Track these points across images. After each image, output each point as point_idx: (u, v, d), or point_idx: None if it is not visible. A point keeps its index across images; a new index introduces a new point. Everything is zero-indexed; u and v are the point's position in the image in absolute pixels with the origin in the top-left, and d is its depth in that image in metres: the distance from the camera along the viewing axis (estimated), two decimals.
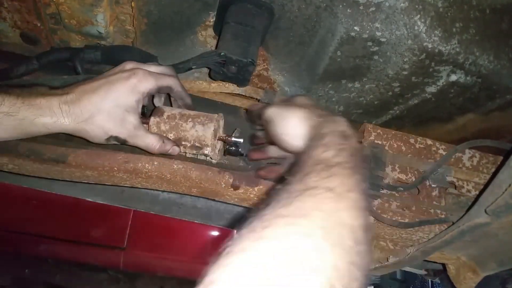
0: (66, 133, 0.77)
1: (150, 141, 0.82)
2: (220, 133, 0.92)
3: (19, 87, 0.77)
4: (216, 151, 0.96)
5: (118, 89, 0.76)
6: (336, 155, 0.55)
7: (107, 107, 0.75)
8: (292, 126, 0.69)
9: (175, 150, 0.86)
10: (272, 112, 0.73)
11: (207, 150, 0.92)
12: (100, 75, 0.81)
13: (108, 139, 0.79)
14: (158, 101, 0.93)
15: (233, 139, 0.92)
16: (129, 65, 0.81)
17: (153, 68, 0.82)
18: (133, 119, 0.78)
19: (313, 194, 0.46)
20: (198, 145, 0.90)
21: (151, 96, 0.88)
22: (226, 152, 1.00)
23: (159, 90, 0.83)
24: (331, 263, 0.39)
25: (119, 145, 0.95)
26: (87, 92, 0.75)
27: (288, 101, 0.77)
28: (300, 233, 0.41)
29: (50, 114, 0.71)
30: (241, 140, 0.92)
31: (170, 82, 0.83)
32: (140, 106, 0.80)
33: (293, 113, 0.70)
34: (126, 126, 0.78)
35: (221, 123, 0.92)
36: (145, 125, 0.86)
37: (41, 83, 0.84)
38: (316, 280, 0.37)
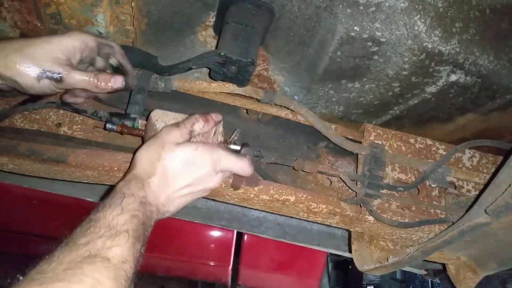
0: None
1: (84, 75, 0.77)
2: (219, 138, 0.91)
3: None
4: None
5: (55, 36, 0.77)
6: (126, 221, 0.63)
7: (39, 42, 0.74)
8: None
9: (117, 80, 0.81)
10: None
11: None
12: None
13: (39, 75, 0.73)
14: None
15: (232, 146, 0.92)
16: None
17: None
18: (66, 59, 0.76)
19: (93, 262, 0.56)
20: None
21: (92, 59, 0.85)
22: None
23: (100, 49, 0.83)
24: None
25: (115, 145, 0.96)
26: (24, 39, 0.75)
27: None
28: None
29: None
30: (238, 148, 0.92)
31: (111, 42, 0.85)
32: (77, 58, 0.78)
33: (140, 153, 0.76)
34: (60, 63, 0.74)
35: (220, 128, 0.92)
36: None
37: None
38: None
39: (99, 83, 0.78)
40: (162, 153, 0.74)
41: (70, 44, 0.76)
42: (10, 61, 0.71)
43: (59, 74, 0.74)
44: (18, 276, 0.55)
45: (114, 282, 0.56)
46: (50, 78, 0.74)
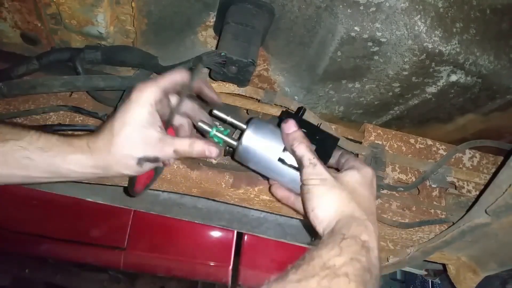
0: (97, 175, 0.71)
1: (180, 147, 0.71)
2: None
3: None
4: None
5: (125, 110, 0.69)
6: (346, 264, 0.53)
7: (122, 130, 0.68)
8: (320, 211, 0.66)
9: (211, 152, 0.73)
10: (314, 185, 0.68)
11: None
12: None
13: (139, 163, 0.69)
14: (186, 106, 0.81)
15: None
16: (139, 85, 0.72)
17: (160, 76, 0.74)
18: (154, 132, 0.69)
19: None
20: None
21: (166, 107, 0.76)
22: (226, 152, 1.00)
23: (172, 91, 0.74)
24: None
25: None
26: (105, 124, 0.70)
27: (341, 172, 0.73)
28: None
29: (81, 151, 0.67)
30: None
31: (173, 78, 0.72)
32: (157, 117, 0.71)
33: (330, 200, 0.66)
34: (150, 142, 0.69)
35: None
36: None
37: None
38: None
39: (195, 153, 0.73)
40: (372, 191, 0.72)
41: (143, 114, 0.68)
42: (111, 155, 0.68)
43: (156, 156, 0.70)
44: None
45: None
46: (149, 161, 0.70)
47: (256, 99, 1.05)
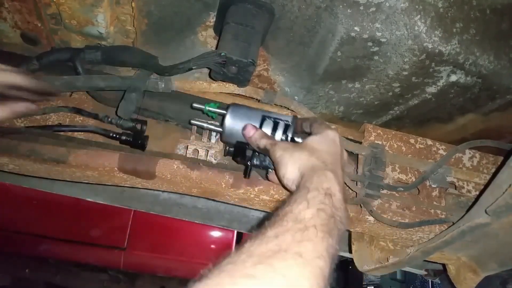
0: None
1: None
2: None
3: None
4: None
5: None
6: (313, 216, 0.59)
7: None
8: (289, 174, 0.76)
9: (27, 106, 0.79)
10: (278, 156, 0.78)
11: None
12: None
13: None
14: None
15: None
16: None
17: None
18: None
19: (284, 258, 0.51)
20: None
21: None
22: (226, 153, 1.00)
23: (5, 86, 0.73)
24: None
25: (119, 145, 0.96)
26: None
27: (300, 142, 0.83)
28: None
29: None
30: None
31: (14, 79, 0.73)
32: None
33: (293, 162, 0.76)
34: None
35: None
36: None
37: None
38: None
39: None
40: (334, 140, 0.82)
41: None
42: None
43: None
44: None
45: (310, 282, 0.50)
46: None
47: (256, 99, 1.05)
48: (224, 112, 0.89)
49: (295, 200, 0.63)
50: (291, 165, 0.76)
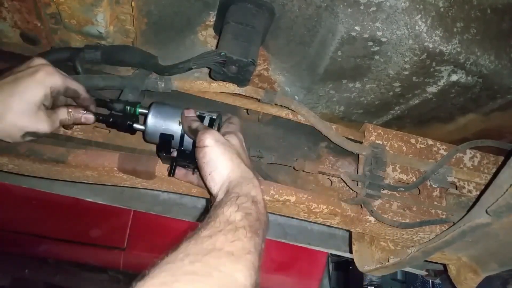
0: None
1: (62, 115, 0.82)
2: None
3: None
4: None
5: (26, 85, 0.75)
6: (243, 218, 0.65)
7: (17, 105, 0.74)
8: (217, 175, 0.75)
9: (87, 117, 0.86)
10: (208, 151, 0.76)
11: None
12: (7, 71, 0.79)
13: (23, 136, 0.77)
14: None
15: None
16: (36, 60, 0.79)
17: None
18: (43, 112, 0.78)
19: (217, 256, 0.56)
20: None
21: (57, 99, 0.85)
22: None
23: (66, 92, 0.82)
24: None
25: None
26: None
27: (225, 138, 0.80)
28: None
29: None
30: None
31: (77, 86, 0.83)
32: (48, 102, 0.79)
33: (223, 162, 0.75)
34: (42, 119, 0.77)
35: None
36: None
37: None
38: None
39: (73, 119, 0.84)
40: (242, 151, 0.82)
41: (42, 95, 0.76)
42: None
43: (44, 132, 0.79)
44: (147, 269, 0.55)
45: (244, 274, 0.56)
46: (33, 136, 0.79)
47: (256, 98, 1.05)
48: (146, 111, 0.87)
49: (225, 203, 0.68)
50: (222, 165, 0.75)
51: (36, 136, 0.79)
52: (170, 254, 0.57)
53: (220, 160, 0.75)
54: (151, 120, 0.86)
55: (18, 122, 0.75)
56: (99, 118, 0.90)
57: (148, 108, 0.87)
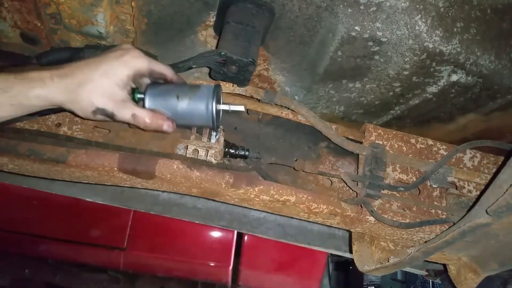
0: (58, 106, 0.76)
1: (140, 114, 0.80)
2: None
3: (12, 67, 0.78)
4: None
5: (110, 62, 0.76)
6: None
7: (97, 77, 0.75)
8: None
9: (169, 126, 0.83)
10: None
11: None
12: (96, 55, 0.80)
13: (95, 111, 0.76)
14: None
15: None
16: (125, 45, 0.81)
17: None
18: (121, 93, 0.77)
19: None
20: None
21: (141, 82, 0.86)
22: (226, 154, 1.00)
23: (151, 74, 0.83)
24: None
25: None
26: (79, 66, 0.76)
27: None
28: None
29: (41, 85, 0.72)
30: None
31: (164, 69, 0.83)
32: (130, 83, 0.79)
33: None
34: (114, 99, 0.77)
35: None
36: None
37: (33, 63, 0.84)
38: None
39: (151, 125, 0.81)
40: None
41: (125, 75, 0.77)
42: (75, 95, 0.74)
43: (113, 113, 0.78)
44: None
45: None
46: (104, 115, 0.78)
47: (256, 98, 1.05)
48: (142, 96, 0.85)
49: None
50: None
51: (106, 116, 0.78)
52: None
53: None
54: (149, 103, 0.84)
55: (92, 95, 0.75)
56: None
57: (144, 92, 0.85)
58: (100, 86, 0.75)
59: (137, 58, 0.79)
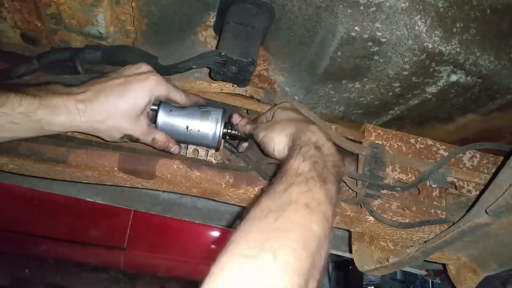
0: (81, 132, 0.79)
1: (158, 138, 0.86)
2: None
3: (36, 86, 0.77)
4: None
5: (136, 90, 0.79)
6: (311, 168, 0.68)
7: (124, 107, 0.78)
8: (278, 144, 0.82)
9: (175, 149, 0.91)
10: (262, 137, 0.85)
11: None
12: (115, 73, 0.82)
13: (122, 137, 0.82)
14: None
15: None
16: (144, 67, 0.84)
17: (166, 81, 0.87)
18: (145, 120, 0.83)
19: (296, 209, 0.60)
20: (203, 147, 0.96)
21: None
22: (225, 135, 0.98)
23: (167, 100, 0.87)
24: (306, 267, 0.54)
25: (121, 143, 0.96)
26: (104, 91, 0.77)
27: (270, 118, 0.91)
28: (289, 246, 0.54)
29: (67, 113, 0.73)
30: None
31: (179, 98, 0.87)
32: (149, 107, 0.84)
33: (277, 134, 0.83)
34: (140, 125, 0.82)
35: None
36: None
37: (56, 81, 0.84)
38: (295, 281, 0.51)
39: (161, 146, 0.88)
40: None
41: (148, 101, 0.81)
42: (102, 124, 0.77)
43: (138, 138, 0.84)
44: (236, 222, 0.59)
45: (319, 225, 0.60)
46: (129, 139, 0.84)
47: (256, 99, 1.05)
48: (156, 108, 0.90)
49: (291, 156, 0.72)
50: (277, 136, 0.82)
51: (131, 140, 0.84)
52: (253, 209, 0.61)
53: (276, 134, 0.83)
54: (161, 118, 0.89)
55: (121, 124, 0.79)
56: None
57: (158, 106, 0.89)
58: (128, 115, 0.79)
59: (159, 85, 0.82)
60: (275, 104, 0.99)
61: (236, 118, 0.96)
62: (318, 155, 0.72)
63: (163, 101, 0.89)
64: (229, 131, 0.96)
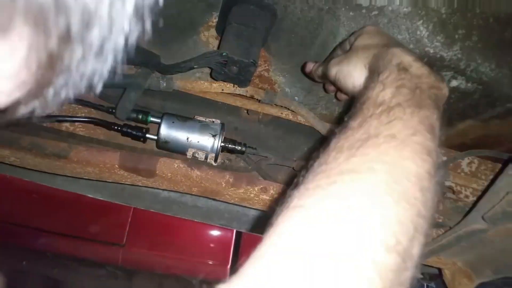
0: None
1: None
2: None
3: None
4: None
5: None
6: (394, 95, 0.52)
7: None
8: (357, 79, 0.67)
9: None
10: (336, 73, 0.72)
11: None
12: None
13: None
14: None
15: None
16: None
17: None
18: None
19: (376, 143, 0.46)
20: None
21: None
22: (223, 149, 1.00)
23: None
24: (395, 218, 0.41)
25: (121, 142, 0.97)
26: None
27: (348, 48, 0.76)
28: (364, 190, 0.41)
29: None
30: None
31: None
32: None
33: (354, 66, 0.68)
34: None
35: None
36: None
37: None
38: (379, 237, 0.39)
39: None
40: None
41: None
42: None
43: None
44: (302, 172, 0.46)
45: (412, 161, 0.45)
46: None
47: (257, 99, 1.06)
48: (157, 120, 0.95)
49: (368, 87, 0.57)
50: (354, 70, 0.68)
51: None
52: (321, 155, 0.48)
53: (352, 67, 0.69)
54: (163, 130, 0.94)
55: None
56: (114, 128, 0.97)
57: (161, 118, 0.94)
58: None
59: None
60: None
61: (309, 66, 0.88)
62: (405, 78, 0.56)
63: (165, 114, 0.94)
64: (227, 145, 0.99)
